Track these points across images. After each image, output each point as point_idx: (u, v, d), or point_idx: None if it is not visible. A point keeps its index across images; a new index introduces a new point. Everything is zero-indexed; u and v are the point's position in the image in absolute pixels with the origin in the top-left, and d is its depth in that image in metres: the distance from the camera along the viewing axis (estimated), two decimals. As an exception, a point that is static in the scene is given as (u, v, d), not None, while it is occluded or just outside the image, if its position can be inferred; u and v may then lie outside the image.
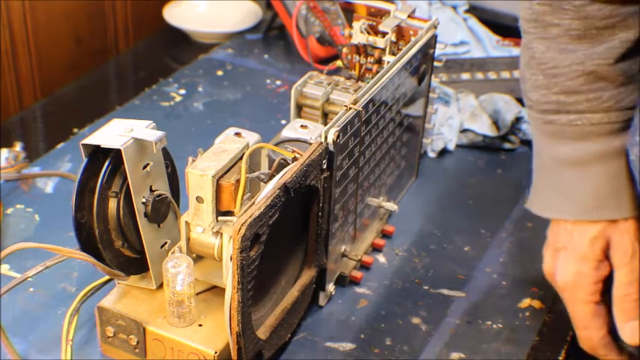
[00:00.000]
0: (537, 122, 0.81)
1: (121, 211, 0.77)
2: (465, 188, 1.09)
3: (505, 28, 1.43)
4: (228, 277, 0.71)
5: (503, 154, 1.16)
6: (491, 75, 1.26)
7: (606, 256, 0.79)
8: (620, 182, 0.78)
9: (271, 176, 0.75)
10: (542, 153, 0.82)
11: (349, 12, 0.99)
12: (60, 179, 1.05)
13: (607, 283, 0.79)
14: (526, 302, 0.92)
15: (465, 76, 1.26)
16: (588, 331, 0.80)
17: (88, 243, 0.76)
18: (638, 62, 0.76)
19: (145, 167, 0.76)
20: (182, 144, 0.97)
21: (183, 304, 0.77)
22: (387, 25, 0.93)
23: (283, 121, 1.19)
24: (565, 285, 0.80)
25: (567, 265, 0.79)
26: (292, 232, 0.82)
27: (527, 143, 1.17)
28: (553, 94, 0.78)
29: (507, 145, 1.16)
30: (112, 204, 0.76)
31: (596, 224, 0.78)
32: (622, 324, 0.78)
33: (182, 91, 1.25)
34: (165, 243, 0.81)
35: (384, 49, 0.93)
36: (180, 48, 1.40)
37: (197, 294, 0.79)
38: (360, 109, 0.81)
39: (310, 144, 0.80)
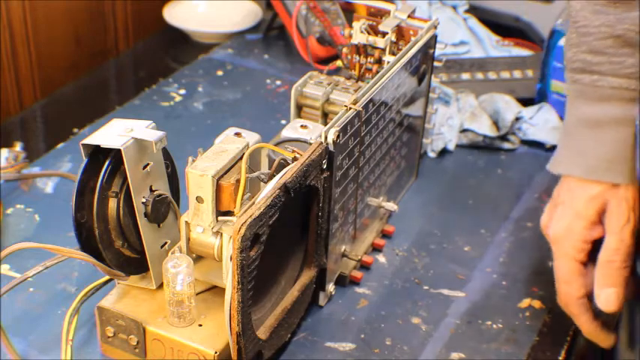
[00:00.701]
0: (567, 82, 0.83)
1: (121, 211, 0.77)
2: (465, 188, 1.09)
3: (505, 28, 1.43)
4: (228, 277, 0.71)
5: (503, 154, 1.16)
6: (491, 75, 1.26)
7: (601, 221, 0.80)
8: (628, 149, 0.79)
9: (271, 176, 0.75)
10: (567, 113, 0.84)
11: (349, 12, 0.99)
12: (60, 179, 1.05)
13: (598, 247, 0.81)
14: (526, 302, 0.92)
15: (465, 76, 1.26)
16: (568, 287, 0.82)
17: (88, 243, 0.76)
18: None
19: (145, 167, 0.76)
20: (182, 144, 0.97)
21: (183, 304, 0.77)
22: (387, 25, 0.93)
23: (283, 121, 1.19)
24: (555, 238, 0.82)
25: (562, 219, 0.82)
26: (292, 232, 0.82)
27: (527, 143, 1.17)
28: (581, 52, 0.80)
29: (507, 145, 1.16)
30: (112, 204, 0.76)
31: (598, 185, 0.80)
32: (599, 289, 0.80)
33: (182, 91, 1.25)
34: (166, 243, 0.81)
35: (384, 49, 0.94)
36: (180, 48, 1.40)
37: (197, 294, 0.79)
38: (360, 109, 0.81)
39: (310, 144, 0.80)
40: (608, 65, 0.79)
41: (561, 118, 1.17)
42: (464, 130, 1.15)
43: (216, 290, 0.81)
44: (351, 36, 0.95)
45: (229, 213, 0.75)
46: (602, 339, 0.84)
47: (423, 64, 0.95)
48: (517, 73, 1.27)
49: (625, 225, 0.79)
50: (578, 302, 0.82)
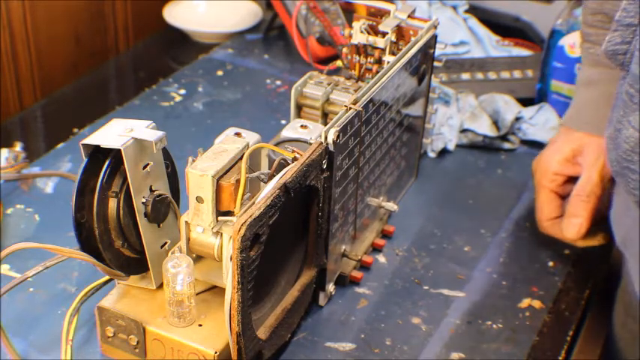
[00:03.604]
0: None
1: (121, 211, 0.77)
2: (465, 188, 1.09)
3: (505, 28, 1.43)
4: (228, 277, 0.71)
5: (503, 154, 1.16)
6: (491, 75, 1.26)
7: (578, 162, 0.93)
8: (608, 107, 0.87)
9: (271, 176, 0.75)
10: (577, 74, 1.02)
11: (349, 12, 0.99)
12: (60, 179, 1.05)
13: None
14: (526, 302, 0.92)
15: (465, 76, 1.26)
16: (539, 213, 0.96)
17: (88, 243, 0.76)
18: None
19: (145, 167, 0.76)
20: (182, 144, 0.97)
21: (183, 304, 0.77)
22: (387, 25, 0.93)
23: (283, 121, 1.19)
24: (535, 167, 0.97)
25: (544, 153, 0.97)
26: (292, 232, 0.82)
27: (527, 143, 1.17)
28: (583, 24, 0.95)
29: (507, 145, 1.16)
30: (112, 204, 0.76)
31: (578, 132, 0.94)
32: (566, 218, 0.92)
33: (182, 91, 1.25)
34: (166, 243, 0.81)
35: (384, 49, 0.93)
36: (180, 48, 1.40)
37: (197, 294, 0.79)
38: (360, 109, 0.81)
39: (310, 144, 0.80)
40: (595, 37, 0.92)
41: (561, 118, 1.17)
42: (464, 130, 1.15)
43: (216, 290, 0.81)
44: (351, 36, 0.95)
45: (229, 213, 0.75)
46: (589, 242, 0.95)
47: (423, 64, 0.95)
48: (517, 73, 1.27)
49: (593, 165, 0.91)
50: (546, 224, 0.95)
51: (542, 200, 0.95)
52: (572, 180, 0.94)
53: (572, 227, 0.92)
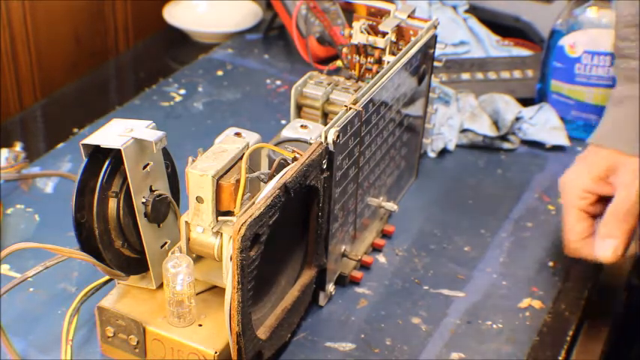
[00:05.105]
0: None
1: (121, 211, 0.77)
2: (465, 188, 1.09)
3: (505, 28, 1.43)
4: (228, 277, 0.71)
5: (503, 154, 1.16)
6: (491, 75, 1.26)
7: (610, 182, 0.87)
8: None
9: (271, 176, 0.75)
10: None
11: (349, 12, 0.99)
12: (60, 179, 1.05)
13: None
14: (526, 302, 0.92)
15: (465, 76, 1.26)
16: (568, 233, 0.89)
17: (88, 243, 0.76)
18: None
19: (145, 167, 0.76)
20: (182, 144, 0.97)
21: (183, 304, 0.77)
22: (387, 25, 0.93)
23: (283, 121, 1.19)
24: (563, 184, 0.91)
25: (573, 168, 0.91)
26: (292, 232, 0.82)
27: (527, 143, 1.17)
28: (616, 38, 0.93)
29: (507, 145, 1.16)
30: (112, 204, 0.76)
31: (612, 150, 0.88)
32: (600, 239, 0.87)
33: (182, 91, 1.25)
34: (166, 243, 0.81)
35: (384, 49, 0.94)
36: (180, 48, 1.40)
37: (197, 294, 0.79)
38: (360, 109, 0.81)
39: (310, 144, 0.80)
40: (628, 50, 0.90)
41: (561, 118, 1.17)
42: (464, 130, 1.15)
43: (216, 290, 0.81)
44: (351, 36, 0.95)
45: (229, 213, 0.75)
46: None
47: (423, 64, 0.95)
48: (517, 73, 1.27)
49: (631, 184, 0.85)
50: (578, 244, 0.89)
51: (572, 220, 0.89)
52: (601, 200, 0.88)
53: (608, 249, 0.86)
